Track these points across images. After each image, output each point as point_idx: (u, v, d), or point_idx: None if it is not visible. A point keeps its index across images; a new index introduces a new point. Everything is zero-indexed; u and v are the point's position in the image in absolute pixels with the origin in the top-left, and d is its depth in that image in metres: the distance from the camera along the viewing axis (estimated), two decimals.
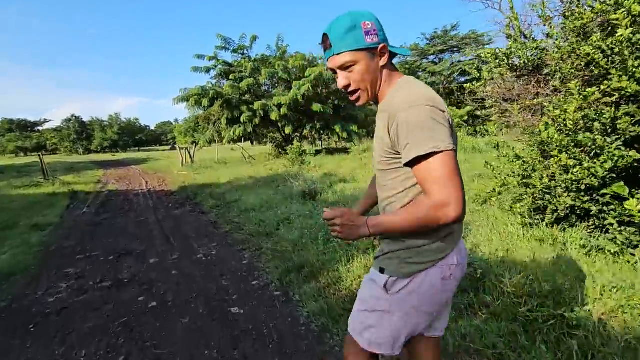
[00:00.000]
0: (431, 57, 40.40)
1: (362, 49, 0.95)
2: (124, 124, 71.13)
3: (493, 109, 5.35)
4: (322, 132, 15.34)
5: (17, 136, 69.23)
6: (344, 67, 0.98)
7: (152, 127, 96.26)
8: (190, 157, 16.08)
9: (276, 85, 15.72)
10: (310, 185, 5.85)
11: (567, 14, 3.64)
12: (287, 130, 13.82)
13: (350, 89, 1.01)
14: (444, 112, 0.91)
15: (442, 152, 0.86)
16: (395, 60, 1.06)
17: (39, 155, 12.79)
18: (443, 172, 0.86)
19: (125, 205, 7.75)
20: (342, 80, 1.00)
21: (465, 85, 4.68)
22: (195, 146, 16.81)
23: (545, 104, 3.43)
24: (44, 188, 10.47)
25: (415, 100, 0.90)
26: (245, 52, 16.00)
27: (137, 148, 74.69)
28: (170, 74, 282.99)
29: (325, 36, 0.98)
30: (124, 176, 14.69)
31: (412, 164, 0.90)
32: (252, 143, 37.89)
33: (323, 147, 17.56)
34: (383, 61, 0.99)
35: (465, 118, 34.08)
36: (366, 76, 0.97)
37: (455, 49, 39.97)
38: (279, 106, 13.32)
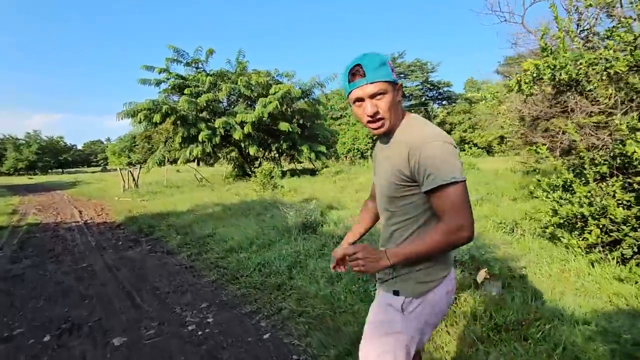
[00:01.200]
0: None
1: (391, 81, 1.06)
2: (44, 143, 62.71)
3: (512, 128, 5.16)
4: (288, 152, 14.42)
5: None
6: (374, 96, 1.05)
7: (80, 147, 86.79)
8: (134, 180, 13.99)
9: (234, 102, 14.60)
10: (308, 214, 4.91)
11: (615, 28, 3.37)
12: (252, 150, 12.67)
13: (378, 117, 1.08)
14: (456, 147, 1.04)
15: (459, 182, 0.98)
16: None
17: None
18: (459, 199, 0.98)
19: (55, 245, 6.00)
20: (371, 107, 1.06)
21: (483, 103, 4.35)
22: (140, 168, 14.73)
23: (617, 122, 3.02)
24: None
25: (436, 136, 1.02)
26: (200, 66, 14.72)
27: (60, 170, 66.15)
28: (101, 89, 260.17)
29: (359, 65, 1.05)
30: (48, 204, 12.18)
31: (432, 191, 1.00)
32: (198, 164, 35.37)
33: (285, 168, 16.54)
34: (397, 96, 1.10)
35: None
36: (391, 106, 1.07)
37: (402, 75, 42.59)
38: (242, 124, 12.19)
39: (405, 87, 40.74)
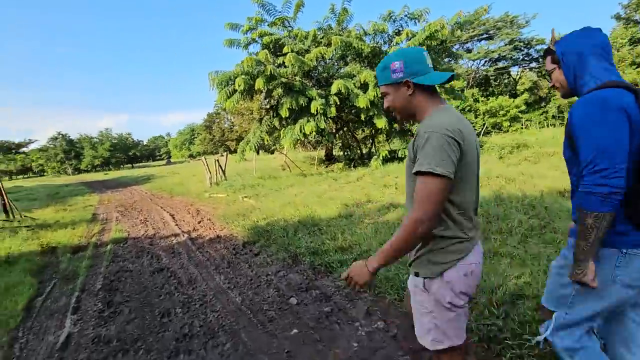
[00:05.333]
0: (456, 45, 36.75)
1: (389, 83, 1.22)
2: (115, 140, 66.00)
3: None
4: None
5: (1, 159, 63.70)
6: (383, 95, 1.28)
7: (145, 142, 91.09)
8: (222, 170, 11.47)
9: (339, 62, 11.10)
10: None
11: None
12: (380, 123, 9.24)
13: (390, 111, 1.29)
14: (458, 142, 1.07)
15: (436, 175, 1.02)
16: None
17: None
18: (428, 192, 1.03)
19: (166, 297, 3.17)
20: (385, 103, 1.29)
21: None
22: (227, 156, 12.19)
23: None
24: None
25: (435, 126, 1.07)
26: (287, 24, 11.52)
27: (130, 165, 69.48)
28: (160, 90, 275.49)
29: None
30: (129, 204, 10.05)
31: (416, 176, 1.08)
32: (257, 152, 32.79)
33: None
34: (409, 91, 1.18)
35: (523, 108, 30.07)
36: (395, 102, 1.23)
37: (485, 35, 36.29)
38: (364, 88, 8.84)
39: (493, 50, 34.55)
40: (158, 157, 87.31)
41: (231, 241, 4.96)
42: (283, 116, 9.19)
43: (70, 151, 60.31)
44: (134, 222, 7.12)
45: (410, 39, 8.96)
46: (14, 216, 8.03)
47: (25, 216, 8.13)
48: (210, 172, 11.42)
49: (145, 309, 3.01)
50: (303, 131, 9.02)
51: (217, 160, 11.41)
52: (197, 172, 20.83)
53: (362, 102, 8.62)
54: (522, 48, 36.33)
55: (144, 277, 3.85)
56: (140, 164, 74.88)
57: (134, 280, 3.78)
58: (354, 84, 8.88)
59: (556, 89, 1.30)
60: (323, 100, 8.82)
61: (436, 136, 1.03)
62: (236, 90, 9.11)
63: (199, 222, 6.48)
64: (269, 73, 8.38)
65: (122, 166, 65.14)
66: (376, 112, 9.11)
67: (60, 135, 61.11)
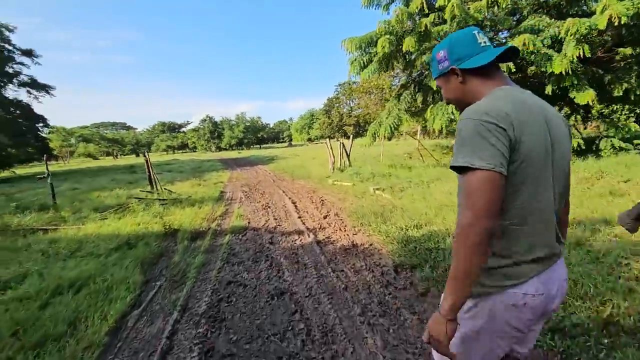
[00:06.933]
0: None
1: (439, 76, 1.05)
2: (248, 123, 73.97)
3: None
4: None
5: (167, 136, 79.44)
6: (440, 88, 1.09)
7: (271, 125, 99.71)
8: (347, 155, 10.26)
9: (509, 15, 8.28)
10: None
11: None
12: (583, 97, 6.06)
13: (449, 103, 1.08)
14: (503, 128, 0.82)
15: (476, 169, 0.81)
16: None
17: (144, 155, 8.60)
18: (471, 190, 0.81)
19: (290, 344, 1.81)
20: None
21: None
22: (352, 139, 10.94)
23: None
24: (130, 216, 5.75)
25: (472, 113, 0.86)
26: None
27: (258, 146, 77.11)
28: (284, 81, 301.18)
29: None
30: (253, 184, 9.76)
31: (456, 171, 0.87)
32: (391, 137, 30.76)
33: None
34: (459, 79, 1.00)
35: None
36: (449, 94, 1.04)
37: None
38: (556, 45, 6.07)
39: None
40: (281, 140, 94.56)
41: (374, 257, 3.46)
42: (434, 88, 7.11)
43: (214, 131, 70.43)
44: (255, 207, 6.41)
45: None
46: (156, 188, 8.44)
47: (165, 189, 8.47)
48: (333, 157, 10.31)
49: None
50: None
51: (342, 143, 10.20)
52: (316, 155, 20.57)
53: (557, 66, 5.75)
54: None
55: (260, 303, 2.67)
56: (266, 145, 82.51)
57: (247, 306, 2.62)
58: (542, 41, 6.11)
59: None
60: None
61: (470, 123, 0.83)
62: (372, 60, 7.51)
63: (325, 217, 5.24)
64: (423, 28, 6.40)
65: (252, 146, 72.77)
66: (575, 82, 6.09)
67: (208, 118, 71.80)
